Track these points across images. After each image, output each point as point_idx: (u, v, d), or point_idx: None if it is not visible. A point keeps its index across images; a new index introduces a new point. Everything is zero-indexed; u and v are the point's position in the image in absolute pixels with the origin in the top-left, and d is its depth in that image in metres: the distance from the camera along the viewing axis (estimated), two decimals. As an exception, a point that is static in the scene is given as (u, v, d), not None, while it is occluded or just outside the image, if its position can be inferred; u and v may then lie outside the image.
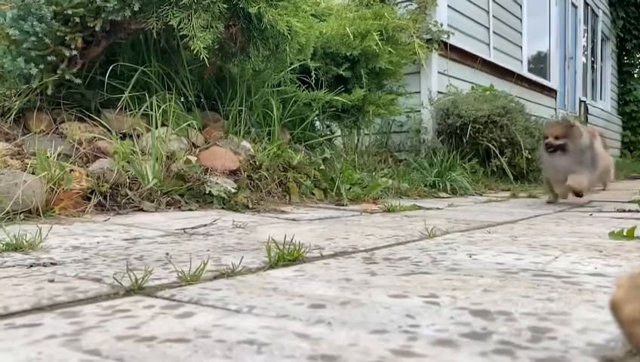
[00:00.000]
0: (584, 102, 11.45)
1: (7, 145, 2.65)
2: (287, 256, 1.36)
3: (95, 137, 2.92)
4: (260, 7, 2.98)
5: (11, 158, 2.52)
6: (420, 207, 3.19)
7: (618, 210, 3.04)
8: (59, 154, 2.53)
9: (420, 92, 6.15)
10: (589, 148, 3.58)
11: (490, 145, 5.66)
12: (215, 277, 1.17)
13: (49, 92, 2.87)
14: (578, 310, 0.91)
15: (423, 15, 6.04)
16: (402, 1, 6.30)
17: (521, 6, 8.41)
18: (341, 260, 1.42)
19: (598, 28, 12.73)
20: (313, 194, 3.38)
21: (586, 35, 12.06)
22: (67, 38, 2.78)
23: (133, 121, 3.04)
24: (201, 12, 2.89)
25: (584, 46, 12.01)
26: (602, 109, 12.87)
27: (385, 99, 4.78)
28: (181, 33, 2.90)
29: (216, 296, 1.00)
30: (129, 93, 3.10)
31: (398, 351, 0.71)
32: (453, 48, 6.38)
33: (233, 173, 3.08)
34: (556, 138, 3.46)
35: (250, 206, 2.76)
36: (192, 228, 2.02)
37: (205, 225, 2.10)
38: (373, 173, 4.31)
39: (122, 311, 0.90)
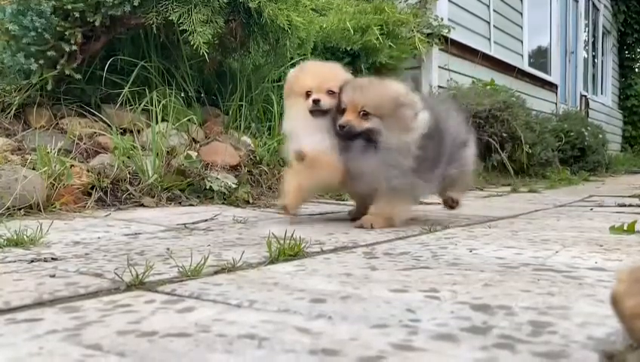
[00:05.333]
0: (585, 96, 11.43)
1: (8, 141, 2.65)
2: (288, 251, 1.36)
3: (95, 133, 2.91)
4: (260, 2, 2.97)
5: (12, 154, 2.52)
6: (420, 202, 3.18)
7: (619, 205, 3.04)
8: (59, 150, 2.53)
9: (420, 87, 6.14)
10: (433, 141, 1.94)
11: (490, 140, 5.65)
12: (216, 272, 1.18)
13: (49, 87, 2.86)
14: (578, 304, 0.91)
15: (423, 9, 6.02)
16: (402, -4, 6.28)
17: (521, 0, 8.38)
18: (342, 255, 1.42)
19: (599, 22, 12.69)
20: (314, 189, 3.38)
21: (586, 29, 12.02)
22: (67, 33, 2.78)
23: (133, 117, 3.04)
24: (201, 7, 2.89)
25: (585, 40, 11.98)
26: (603, 104, 12.85)
27: (385, 94, 4.77)
28: (181, 28, 2.90)
29: (216, 291, 1.00)
30: (129, 88, 3.10)
31: (399, 345, 0.71)
32: (454, 43, 6.37)
33: (234, 169, 3.08)
34: (363, 114, 1.88)
35: (251, 201, 2.76)
36: (193, 223, 2.02)
37: (206, 221, 2.10)
38: (374, 168, 4.30)
39: (123, 306, 0.90)
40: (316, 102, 2.00)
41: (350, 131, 1.89)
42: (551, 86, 9.48)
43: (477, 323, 0.81)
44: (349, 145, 1.93)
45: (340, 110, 1.95)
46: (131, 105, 3.08)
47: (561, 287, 1.04)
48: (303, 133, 2.06)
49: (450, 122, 2.15)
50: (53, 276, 1.12)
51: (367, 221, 1.98)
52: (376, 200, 2.02)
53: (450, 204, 2.29)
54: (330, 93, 2.02)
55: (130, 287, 1.03)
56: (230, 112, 3.56)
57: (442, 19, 6.11)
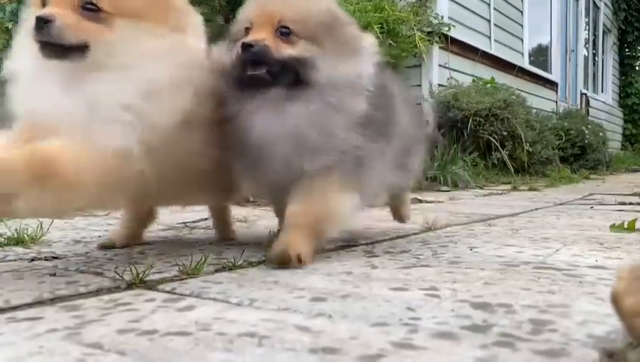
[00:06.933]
0: (585, 94, 11.42)
1: (8, 140, 2.65)
2: (288, 250, 1.36)
3: (95, 131, 2.91)
4: (260, 0, 2.97)
5: (12, 153, 2.52)
6: (420, 200, 3.18)
7: (619, 203, 3.03)
8: (59, 149, 2.53)
9: (420, 85, 6.13)
10: (380, 87, 1.27)
11: (491, 139, 5.65)
12: (216, 271, 1.18)
13: (49, 86, 2.86)
14: (579, 302, 0.91)
15: (423, 8, 6.00)
16: (403, -6, 6.27)
17: (522, -2, 8.37)
18: (342, 253, 1.42)
19: (599, 20, 12.67)
20: (314, 187, 3.37)
21: (587, 27, 12.00)
22: (67, 31, 2.78)
23: (133, 115, 3.04)
24: (201, 5, 2.89)
25: (585, 38, 11.96)
26: (604, 102, 12.83)
27: (385, 93, 4.77)
28: (181, 27, 2.90)
29: (217, 289, 1.00)
30: (129, 87, 3.10)
31: (399, 343, 0.71)
32: (454, 41, 6.35)
33: (234, 167, 3.07)
34: (283, 34, 1.17)
35: (252, 200, 2.76)
36: (193, 221, 2.02)
37: (206, 219, 2.09)
38: (374, 167, 4.30)
39: (123, 305, 0.90)
40: (42, 23, 0.96)
41: (262, 56, 1.13)
42: (551, 84, 9.47)
43: (477, 321, 0.81)
44: (253, 92, 1.16)
45: (241, 30, 1.21)
46: (131, 104, 3.08)
47: (562, 285, 1.03)
48: (37, 83, 1.06)
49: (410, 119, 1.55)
50: (53, 275, 1.12)
51: (285, 247, 1.17)
52: (295, 192, 1.20)
53: (401, 219, 1.82)
54: (89, 7, 0.97)
55: (130, 286, 1.04)
56: (230, 111, 3.56)
57: (442, 18, 6.10)
